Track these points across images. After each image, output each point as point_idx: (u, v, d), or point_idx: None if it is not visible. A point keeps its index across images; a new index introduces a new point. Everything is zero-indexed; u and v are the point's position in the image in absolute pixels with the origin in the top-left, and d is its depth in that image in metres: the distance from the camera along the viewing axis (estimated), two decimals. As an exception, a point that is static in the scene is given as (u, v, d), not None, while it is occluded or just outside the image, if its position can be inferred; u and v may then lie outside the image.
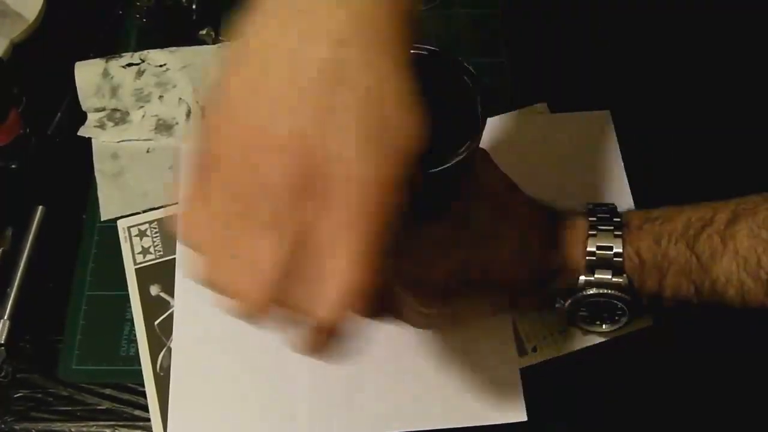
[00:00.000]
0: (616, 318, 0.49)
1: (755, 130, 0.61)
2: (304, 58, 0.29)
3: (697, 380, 0.52)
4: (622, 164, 0.60)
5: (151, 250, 0.58)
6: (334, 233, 0.28)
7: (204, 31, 0.68)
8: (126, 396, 0.54)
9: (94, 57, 0.66)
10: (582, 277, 0.47)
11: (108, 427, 0.53)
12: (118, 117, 0.64)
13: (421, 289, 0.45)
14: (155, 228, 0.59)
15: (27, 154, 0.63)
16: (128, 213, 0.60)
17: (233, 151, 0.29)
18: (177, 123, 0.64)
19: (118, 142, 0.63)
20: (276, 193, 0.28)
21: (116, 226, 0.60)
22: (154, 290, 0.57)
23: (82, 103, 0.65)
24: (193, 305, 0.56)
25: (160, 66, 0.66)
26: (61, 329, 0.56)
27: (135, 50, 0.67)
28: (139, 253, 0.58)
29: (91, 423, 0.53)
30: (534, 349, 0.53)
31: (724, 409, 0.51)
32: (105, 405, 0.53)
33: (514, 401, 0.51)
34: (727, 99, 0.63)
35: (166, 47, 0.67)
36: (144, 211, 0.60)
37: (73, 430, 0.53)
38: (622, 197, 0.58)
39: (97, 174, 0.62)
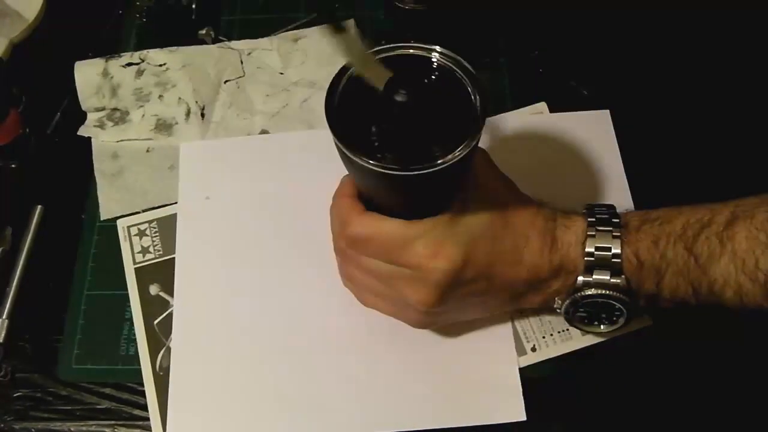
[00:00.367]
0: (614, 319, 0.49)
1: (754, 131, 0.61)
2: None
3: (695, 380, 0.52)
4: (621, 164, 0.60)
5: (151, 249, 0.58)
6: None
7: (204, 31, 0.68)
8: (125, 395, 0.54)
9: (94, 57, 0.66)
10: (580, 278, 0.47)
11: (107, 426, 0.53)
12: (117, 116, 0.64)
13: (419, 289, 0.46)
14: (155, 227, 0.59)
15: (27, 154, 0.63)
16: (128, 212, 0.60)
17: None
18: (176, 122, 0.64)
19: (118, 141, 0.63)
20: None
21: (116, 226, 0.60)
22: (153, 290, 0.57)
23: (81, 102, 0.65)
24: (192, 305, 0.56)
25: (160, 66, 0.66)
26: (61, 329, 0.56)
27: (135, 50, 0.67)
28: (138, 253, 0.58)
29: (91, 422, 0.53)
30: (533, 349, 0.53)
31: (723, 408, 0.51)
32: (104, 404, 0.54)
33: (514, 401, 0.51)
34: (726, 99, 0.63)
35: (166, 47, 0.67)
36: (143, 211, 0.60)
37: (72, 429, 0.53)
38: (621, 197, 0.58)
39: (96, 173, 0.62)
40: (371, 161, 0.39)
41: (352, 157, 0.39)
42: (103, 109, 0.65)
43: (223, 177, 0.61)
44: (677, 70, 0.64)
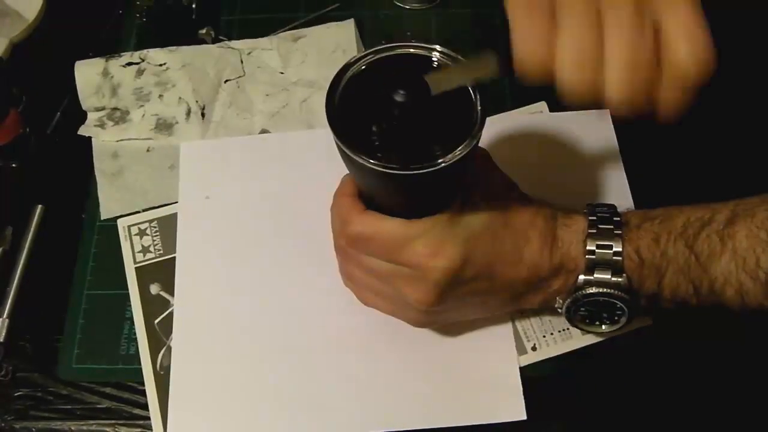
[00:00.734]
0: (616, 318, 0.49)
1: (755, 130, 0.61)
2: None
3: (695, 379, 0.52)
4: (621, 163, 0.60)
5: (151, 248, 0.58)
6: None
7: (204, 31, 0.69)
8: (126, 395, 0.54)
9: (94, 56, 0.66)
10: (581, 276, 0.47)
11: (108, 425, 0.53)
12: (118, 116, 0.64)
13: (419, 288, 0.46)
14: (155, 227, 0.59)
15: (27, 154, 0.63)
16: (128, 212, 0.60)
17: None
18: (177, 122, 0.64)
19: (118, 141, 0.63)
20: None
21: (116, 225, 0.60)
22: (154, 289, 0.57)
23: (82, 102, 0.65)
24: (193, 304, 0.56)
25: (160, 65, 0.66)
26: (61, 328, 0.56)
27: (135, 49, 0.67)
28: (139, 252, 0.58)
29: (91, 421, 0.53)
30: (533, 348, 0.53)
31: (723, 408, 0.51)
32: (105, 404, 0.54)
33: (514, 400, 0.51)
34: (726, 98, 0.62)
35: (166, 46, 0.67)
36: (144, 210, 0.60)
37: (73, 428, 0.53)
38: (622, 196, 0.58)
39: (97, 173, 0.62)
40: (372, 160, 0.39)
41: (352, 156, 0.39)
42: (103, 108, 0.65)
43: (224, 176, 0.61)
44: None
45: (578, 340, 0.53)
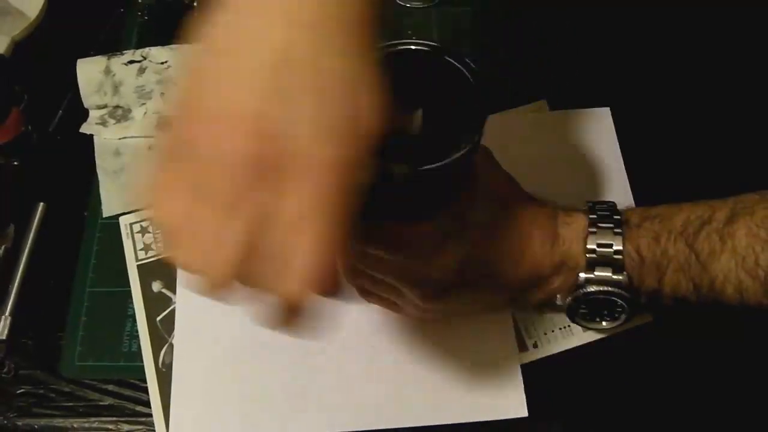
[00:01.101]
0: (616, 315, 0.49)
1: (755, 128, 0.61)
2: (258, 39, 0.30)
3: (696, 378, 0.52)
4: (622, 161, 0.60)
5: (153, 246, 0.59)
6: (298, 213, 0.29)
7: (205, 29, 0.68)
8: (128, 392, 0.54)
9: (96, 54, 0.67)
10: (582, 275, 0.47)
11: (110, 423, 0.53)
12: (119, 114, 0.64)
13: (420, 285, 0.46)
14: (157, 225, 0.60)
15: (29, 152, 0.63)
16: (130, 210, 0.60)
17: (196, 136, 0.30)
18: (178, 120, 0.64)
19: (120, 139, 0.63)
20: (235, 173, 0.29)
21: (118, 223, 0.60)
22: (156, 286, 0.57)
23: (83, 100, 0.65)
24: (194, 301, 0.56)
25: (162, 63, 0.66)
26: (63, 325, 0.56)
27: (136, 47, 0.67)
28: (141, 250, 0.59)
29: (93, 419, 0.53)
30: (535, 345, 0.54)
31: (723, 407, 0.51)
32: (107, 401, 0.54)
33: (515, 397, 0.51)
34: (726, 96, 0.63)
35: (168, 44, 0.67)
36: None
37: (75, 425, 0.53)
38: (622, 194, 0.58)
39: (98, 171, 0.62)
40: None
41: (354, 154, 0.39)
42: (105, 106, 0.65)
43: (225, 174, 0.61)
44: (677, 68, 0.65)
45: (579, 337, 0.54)
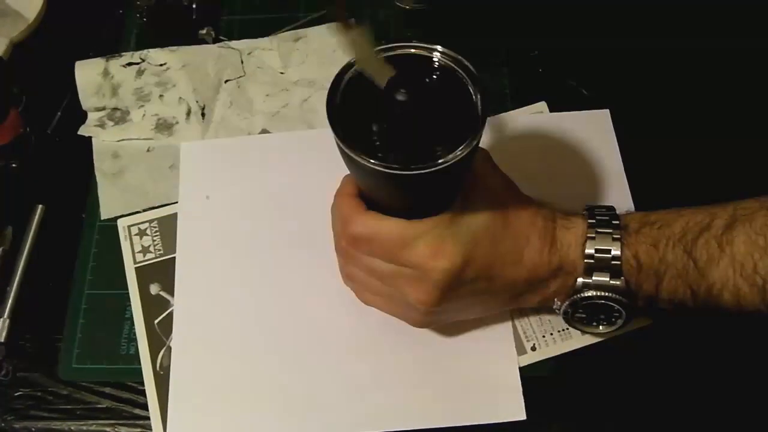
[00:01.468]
0: (613, 320, 0.49)
1: (754, 131, 0.61)
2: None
3: (695, 379, 0.52)
4: (621, 163, 0.60)
5: (151, 249, 0.58)
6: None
7: (204, 31, 0.69)
8: (126, 395, 0.54)
9: (95, 56, 0.67)
10: (580, 279, 0.47)
11: (108, 425, 0.53)
12: (118, 116, 0.64)
13: (420, 288, 0.46)
14: (155, 227, 0.59)
15: (27, 153, 0.63)
16: (128, 212, 0.60)
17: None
18: (177, 122, 0.64)
19: (119, 141, 0.63)
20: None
21: (116, 225, 0.60)
22: (154, 289, 0.57)
23: (82, 102, 0.65)
24: (192, 304, 0.56)
25: (161, 65, 0.66)
26: (61, 328, 0.56)
27: (135, 49, 0.67)
28: (139, 252, 0.58)
29: (91, 421, 0.53)
30: (533, 348, 0.53)
31: (723, 408, 0.51)
32: (105, 404, 0.54)
33: (514, 400, 0.51)
34: (726, 100, 0.63)
35: (167, 46, 0.67)
36: (144, 210, 0.60)
37: (72, 428, 0.53)
38: (621, 196, 0.58)
39: (97, 173, 0.62)
40: (372, 160, 0.39)
41: (353, 156, 0.39)
42: (103, 108, 0.65)
43: (224, 176, 0.61)
44: (677, 70, 0.64)
45: (578, 340, 0.53)
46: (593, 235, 0.46)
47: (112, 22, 0.71)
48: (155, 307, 0.56)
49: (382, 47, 0.42)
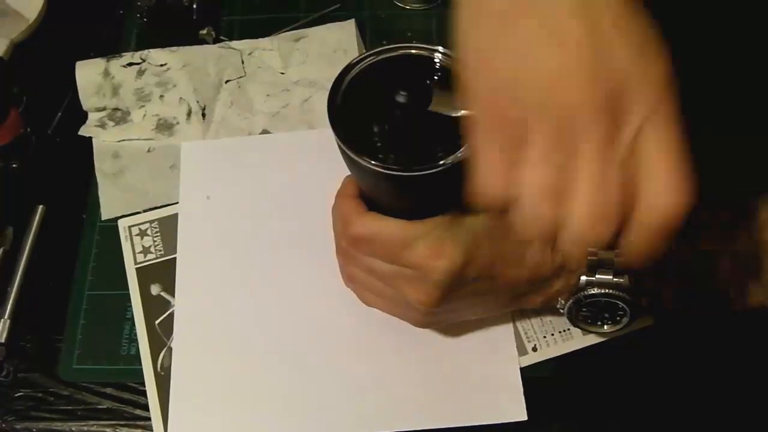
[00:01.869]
0: (618, 319, 0.49)
1: (754, 131, 0.61)
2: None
3: (697, 380, 0.52)
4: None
5: (152, 249, 0.58)
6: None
7: (204, 31, 0.68)
8: (126, 395, 0.54)
9: (95, 56, 0.66)
10: (583, 277, 0.47)
11: (108, 426, 0.53)
12: (118, 116, 0.64)
13: (420, 288, 0.46)
14: (156, 227, 0.59)
15: (27, 154, 0.63)
16: (129, 212, 0.60)
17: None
18: (178, 122, 0.64)
19: (119, 141, 0.63)
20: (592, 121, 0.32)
21: (117, 226, 0.60)
22: (154, 289, 0.57)
23: (82, 102, 0.65)
24: (193, 305, 0.56)
25: (161, 65, 0.66)
26: (62, 328, 0.56)
27: (135, 50, 0.67)
28: (139, 253, 0.58)
29: (92, 422, 0.53)
30: (534, 349, 0.53)
31: (723, 408, 0.51)
32: (105, 404, 0.54)
33: (515, 400, 0.51)
34: (727, 98, 0.63)
35: (167, 47, 0.67)
36: (144, 211, 0.60)
37: (73, 429, 0.53)
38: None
39: (97, 173, 0.62)
40: (373, 161, 0.39)
41: (354, 157, 0.39)
42: (104, 108, 0.65)
43: (224, 177, 0.61)
44: (677, 69, 0.64)
45: (579, 340, 0.53)
46: None
47: (112, 22, 0.71)
48: (156, 307, 0.56)
49: (383, 48, 0.42)
